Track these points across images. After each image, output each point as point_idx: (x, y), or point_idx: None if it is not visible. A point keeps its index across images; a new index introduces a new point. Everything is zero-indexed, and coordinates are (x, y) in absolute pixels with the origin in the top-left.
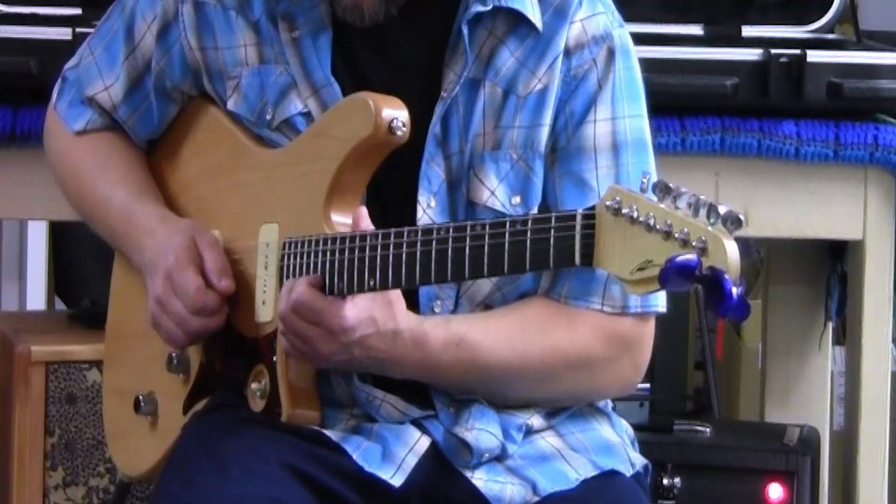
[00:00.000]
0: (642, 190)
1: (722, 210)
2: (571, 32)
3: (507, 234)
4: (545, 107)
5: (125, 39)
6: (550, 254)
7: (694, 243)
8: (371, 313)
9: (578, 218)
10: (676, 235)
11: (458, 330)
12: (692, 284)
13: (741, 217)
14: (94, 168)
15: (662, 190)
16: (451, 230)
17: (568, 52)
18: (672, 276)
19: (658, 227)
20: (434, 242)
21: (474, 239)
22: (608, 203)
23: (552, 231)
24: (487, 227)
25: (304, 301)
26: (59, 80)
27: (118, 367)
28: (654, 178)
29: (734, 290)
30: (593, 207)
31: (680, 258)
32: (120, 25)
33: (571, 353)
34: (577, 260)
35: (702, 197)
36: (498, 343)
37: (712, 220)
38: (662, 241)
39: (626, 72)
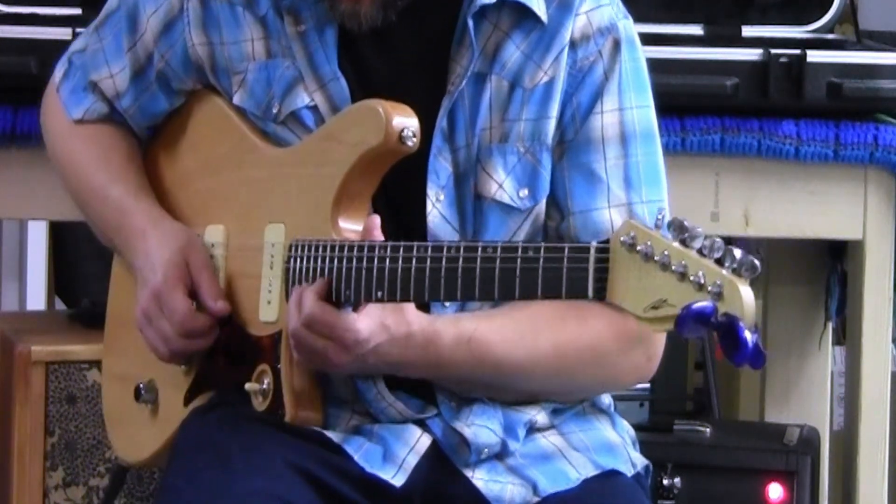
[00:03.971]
0: (657, 226)
1: (737, 254)
2: (577, 24)
3: (518, 260)
4: (551, 99)
5: (128, 30)
6: (563, 283)
7: (710, 288)
8: (383, 321)
9: (592, 251)
10: (691, 278)
11: (467, 327)
12: (708, 331)
13: (757, 263)
14: (92, 159)
15: (678, 228)
16: (461, 249)
17: (573, 45)
18: (689, 323)
19: (673, 267)
20: (444, 260)
21: (485, 261)
22: (623, 238)
23: (565, 261)
24: (499, 249)
25: (315, 315)
26: (65, 62)
27: (119, 354)
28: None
29: (749, 338)
30: (607, 241)
31: (696, 306)
32: (123, 14)
33: (583, 347)
34: (590, 293)
35: (717, 239)
36: (508, 339)
37: (727, 264)
38: (677, 282)
39: (632, 63)
